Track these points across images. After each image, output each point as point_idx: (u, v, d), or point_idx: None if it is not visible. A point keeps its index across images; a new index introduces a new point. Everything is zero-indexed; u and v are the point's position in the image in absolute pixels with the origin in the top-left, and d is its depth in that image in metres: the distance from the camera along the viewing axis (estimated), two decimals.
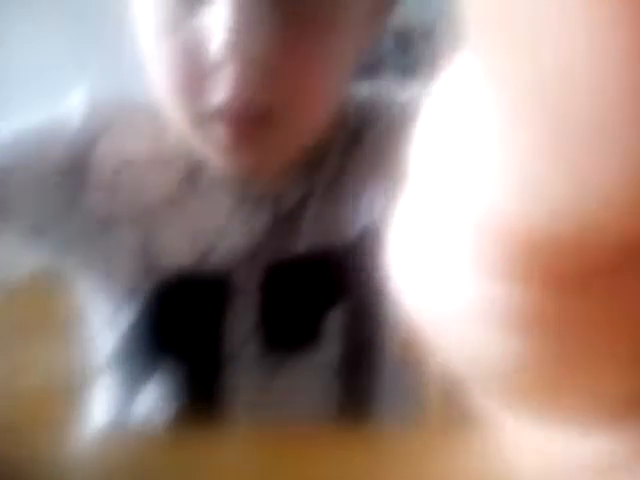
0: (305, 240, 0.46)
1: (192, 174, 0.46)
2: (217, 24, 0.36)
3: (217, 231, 0.46)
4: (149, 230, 0.46)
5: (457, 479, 0.29)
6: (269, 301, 0.47)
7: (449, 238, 0.11)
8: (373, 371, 0.51)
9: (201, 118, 0.40)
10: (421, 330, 0.14)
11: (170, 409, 0.47)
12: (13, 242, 0.46)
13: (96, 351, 0.52)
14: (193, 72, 0.38)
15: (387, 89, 0.52)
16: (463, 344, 0.12)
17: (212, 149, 0.41)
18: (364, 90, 0.51)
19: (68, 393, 0.55)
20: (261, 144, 0.40)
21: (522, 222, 0.08)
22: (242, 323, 0.47)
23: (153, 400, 0.48)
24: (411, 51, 3.01)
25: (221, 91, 0.38)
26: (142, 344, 0.48)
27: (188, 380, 0.47)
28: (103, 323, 0.49)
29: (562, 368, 0.11)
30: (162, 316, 0.47)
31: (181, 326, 0.47)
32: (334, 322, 0.49)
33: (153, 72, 0.41)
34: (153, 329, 0.47)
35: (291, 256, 0.46)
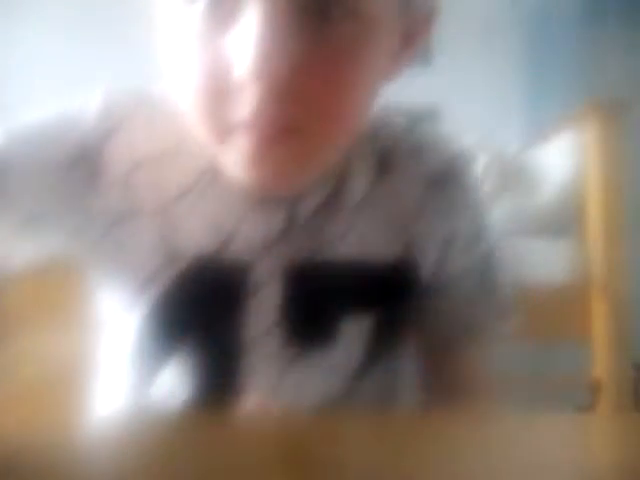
0: (330, 248, 0.49)
1: (209, 169, 0.48)
2: (244, 43, 0.37)
3: (235, 221, 0.48)
4: (169, 221, 0.47)
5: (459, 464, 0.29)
6: (291, 297, 0.48)
7: None
8: (389, 377, 0.53)
9: (225, 132, 0.41)
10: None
11: (187, 393, 0.48)
12: (23, 229, 0.47)
13: (110, 337, 0.52)
14: (219, 88, 0.39)
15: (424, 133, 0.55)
16: None
17: (234, 162, 0.42)
18: (399, 127, 0.54)
19: (76, 379, 0.56)
20: (282, 159, 0.41)
21: None
22: (264, 314, 0.48)
23: (171, 384, 0.49)
24: None
25: (245, 107, 0.39)
26: (162, 329, 0.48)
27: (206, 365, 0.48)
28: (121, 309, 0.50)
29: None
30: (182, 303, 0.48)
31: (201, 313, 0.48)
32: (354, 327, 0.50)
33: (179, 86, 0.42)
34: (173, 315, 0.48)
35: (315, 261, 0.48)
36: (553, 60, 2.81)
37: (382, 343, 0.52)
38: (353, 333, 0.50)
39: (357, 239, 0.49)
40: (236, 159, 0.42)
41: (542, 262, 1.30)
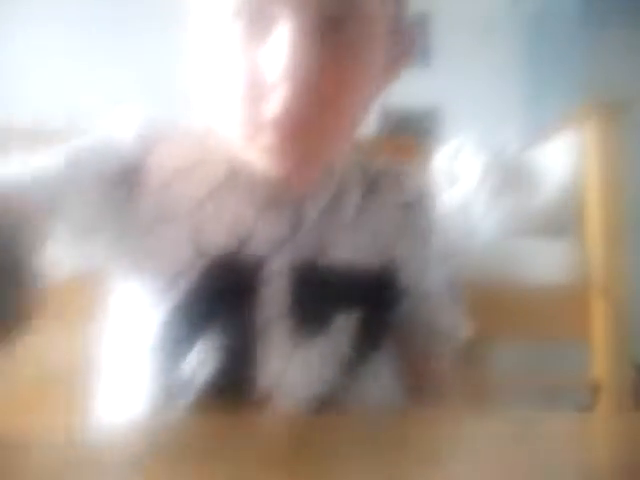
0: (328, 251, 0.56)
1: (231, 175, 0.56)
2: (277, 53, 0.46)
3: (251, 222, 0.56)
4: (195, 223, 0.55)
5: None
6: (296, 290, 0.55)
7: None
8: (374, 373, 0.59)
9: (256, 129, 0.49)
10: None
11: (208, 375, 0.52)
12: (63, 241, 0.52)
13: (133, 330, 0.56)
14: (254, 91, 0.48)
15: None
16: None
17: (261, 154, 0.51)
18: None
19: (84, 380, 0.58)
20: (301, 149, 0.50)
21: None
22: (274, 304, 0.54)
23: (194, 367, 0.53)
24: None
25: (275, 105, 0.47)
26: (187, 319, 0.53)
27: (224, 349, 0.53)
28: (148, 304, 0.55)
29: None
30: (206, 294, 0.53)
31: (222, 303, 0.54)
32: (345, 321, 0.56)
33: (219, 93, 0.51)
34: (197, 305, 0.54)
35: (317, 261, 0.56)
36: (553, 60, 2.81)
37: (366, 339, 0.57)
38: (343, 325, 0.56)
39: (350, 246, 0.57)
40: (264, 152, 0.50)
41: (542, 262, 1.30)
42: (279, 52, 0.46)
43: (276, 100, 0.47)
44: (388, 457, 0.29)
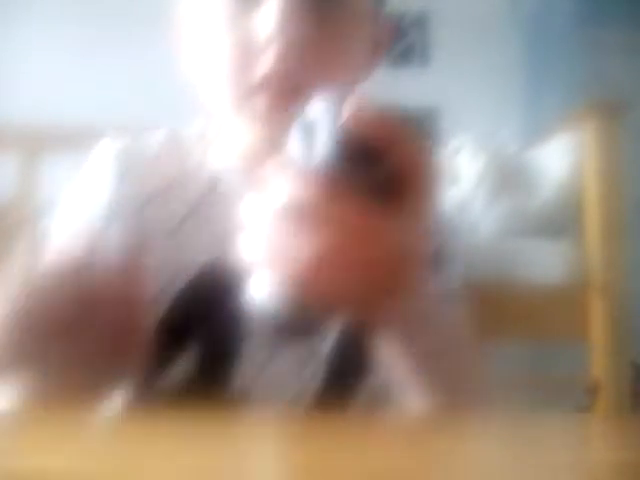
0: None
1: (210, 188, 0.57)
2: (266, 20, 0.49)
3: (232, 230, 0.53)
4: (176, 242, 0.55)
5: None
6: None
7: None
8: (355, 367, 0.57)
9: (247, 91, 0.51)
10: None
11: (191, 376, 0.53)
12: None
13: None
14: (246, 54, 0.50)
15: None
16: None
17: (253, 118, 0.52)
18: None
19: None
20: (290, 114, 0.48)
21: None
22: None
23: (179, 371, 0.53)
24: (403, 38, 3.01)
25: (265, 68, 0.49)
26: (173, 325, 0.52)
27: (208, 352, 0.53)
28: None
29: None
30: (190, 302, 0.54)
31: (206, 309, 0.54)
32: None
33: (210, 60, 0.53)
34: (181, 314, 0.54)
35: None
36: (553, 60, 2.81)
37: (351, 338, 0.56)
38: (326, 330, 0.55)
39: None
40: (256, 116, 0.51)
41: (541, 262, 1.30)
42: (269, 16, 0.49)
43: (266, 61, 0.49)
44: (387, 455, 0.29)
